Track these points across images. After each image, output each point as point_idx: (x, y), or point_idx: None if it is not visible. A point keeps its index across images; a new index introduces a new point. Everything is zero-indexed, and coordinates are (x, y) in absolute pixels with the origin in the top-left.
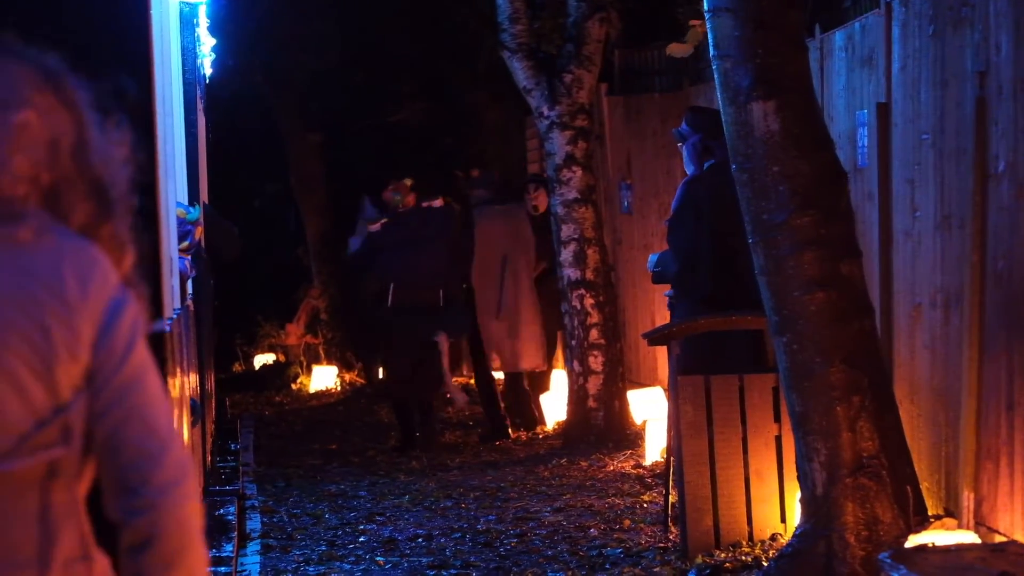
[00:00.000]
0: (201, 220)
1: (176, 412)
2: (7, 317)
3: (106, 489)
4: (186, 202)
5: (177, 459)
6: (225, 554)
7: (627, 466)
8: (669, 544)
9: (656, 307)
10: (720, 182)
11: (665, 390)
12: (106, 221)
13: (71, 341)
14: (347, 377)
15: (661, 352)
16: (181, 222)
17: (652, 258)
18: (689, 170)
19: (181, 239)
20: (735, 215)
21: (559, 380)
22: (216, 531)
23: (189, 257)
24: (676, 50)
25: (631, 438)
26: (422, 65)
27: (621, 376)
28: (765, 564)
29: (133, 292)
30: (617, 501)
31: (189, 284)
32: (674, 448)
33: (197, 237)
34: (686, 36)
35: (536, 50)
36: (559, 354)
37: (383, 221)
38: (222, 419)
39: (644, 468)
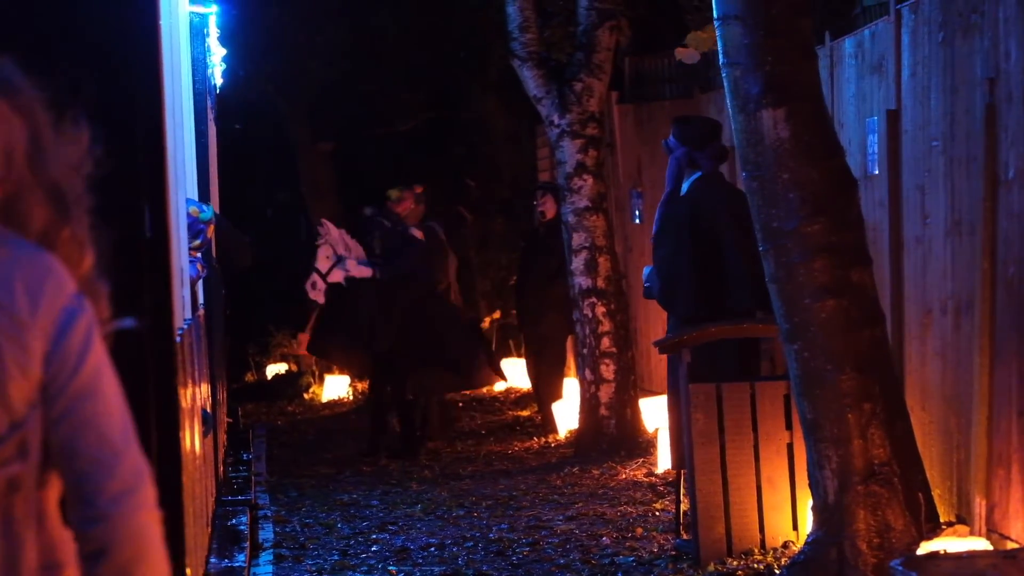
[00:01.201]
0: (213, 219)
1: (188, 422)
2: None
3: (66, 497)
4: None
5: (132, 468)
6: (238, 564)
7: (639, 474)
8: (681, 552)
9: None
10: (700, 197)
11: None
12: (64, 224)
13: (22, 359)
14: (359, 387)
15: None
16: (194, 220)
17: (646, 271)
18: (671, 184)
19: (194, 238)
20: (716, 230)
21: (571, 388)
22: (228, 541)
23: (200, 256)
24: (684, 55)
25: (643, 446)
26: (432, 74)
27: (633, 384)
28: (777, 572)
29: (91, 293)
30: (629, 509)
31: (200, 290)
32: (685, 456)
33: (209, 236)
34: (685, 39)
35: (546, 59)
36: (571, 362)
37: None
38: (234, 429)
39: (656, 476)
